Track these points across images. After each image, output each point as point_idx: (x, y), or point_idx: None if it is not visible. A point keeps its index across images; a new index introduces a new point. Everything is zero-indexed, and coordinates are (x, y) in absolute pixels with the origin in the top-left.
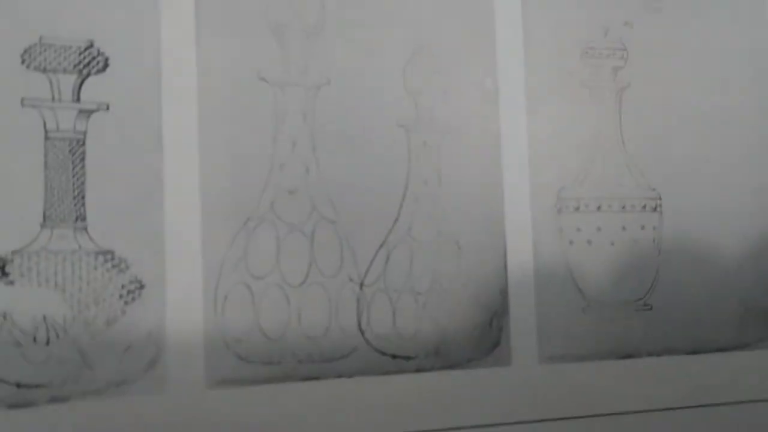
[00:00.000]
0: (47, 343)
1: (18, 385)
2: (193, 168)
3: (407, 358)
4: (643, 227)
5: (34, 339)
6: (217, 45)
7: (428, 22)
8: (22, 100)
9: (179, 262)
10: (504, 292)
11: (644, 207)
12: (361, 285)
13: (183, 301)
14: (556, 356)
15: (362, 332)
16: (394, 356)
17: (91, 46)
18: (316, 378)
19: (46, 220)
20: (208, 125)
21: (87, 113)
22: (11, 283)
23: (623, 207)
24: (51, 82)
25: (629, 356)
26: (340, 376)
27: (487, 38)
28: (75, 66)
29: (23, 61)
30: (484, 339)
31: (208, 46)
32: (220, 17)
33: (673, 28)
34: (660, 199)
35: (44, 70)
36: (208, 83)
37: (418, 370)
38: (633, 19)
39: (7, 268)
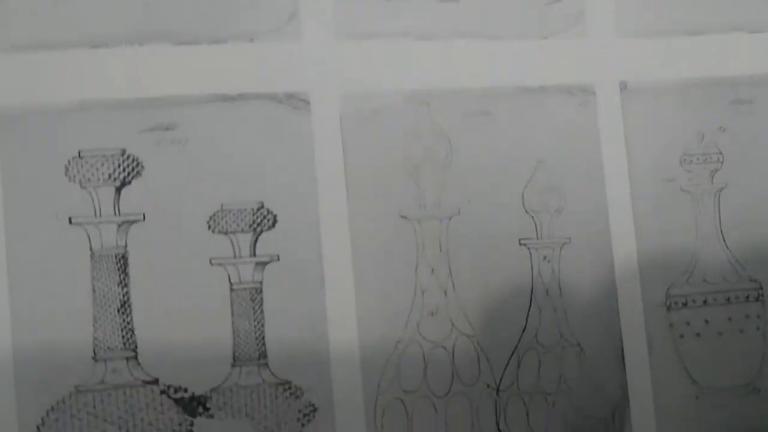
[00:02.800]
0: None
1: None
2: (350, 305)
3: None
4: (747, 316)
5: None
6: (364, 194)
7: (540, 148)
8: (210, 260)
9: (344, 387)
10: (624, 387)
11: (747, 298)
12: (497, 390)
13: (349, 420)
14: None
15: None
16: None
17: (262, 207)
18: None
19: (235, 361)
20: (361, 265)
21: (262, 265)
22: (211, 416)
23: (728, 299)
24: (232, 242)
25: None
26: None
27: (593, 154)
28: (250, 225)
29: (209, 227)
30: (608, 431)
31: (355, 197)
32: (365, 169)
33: (763, 129)
34: (761, 288)
35: (226, 233)
36: (358, 228)
37: None
38: (726, 124)
39: (208, 404)
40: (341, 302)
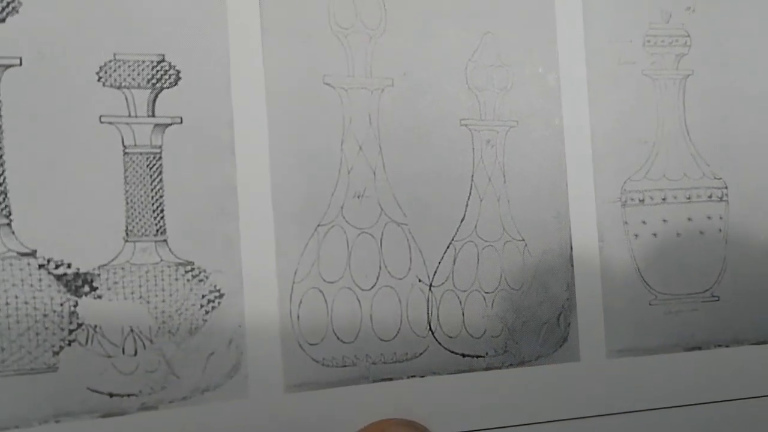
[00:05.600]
0: (135, 353)
1: (110, 395)
2: (264, 177)
3: (477, 356)
4: (709, 217)
5: (123, 350)
6: (283, 53)
7: (488, 18)
8: (100, 117)
9: (255, 271)
10: (570, 288)
11: (710, 197)
12: (430, 286)
13: (260, 308)
14: (624, 350)
15: (432, 332)
16: (464, 355)
17: (163, 60)
18: (390, 379)
19: (128, 235)
20: (278, 134)
21: (162, 127)
22: (99, 297)
23: (689, 197)
24: (126, 98)
25: (697, 348)
26: (412, 376)
27: (547, 30)
28: (148, 81)
29: (99, 79)
30: (552, 335)
31: (273, 55)
32: (285, 25)
33: (735, 12)
34: (726, 188)
35: (119, 87)
36: (276, 91)
37: (488, 368)
38: (694, 4)
39: (95, 283)
40: (254, 175)
